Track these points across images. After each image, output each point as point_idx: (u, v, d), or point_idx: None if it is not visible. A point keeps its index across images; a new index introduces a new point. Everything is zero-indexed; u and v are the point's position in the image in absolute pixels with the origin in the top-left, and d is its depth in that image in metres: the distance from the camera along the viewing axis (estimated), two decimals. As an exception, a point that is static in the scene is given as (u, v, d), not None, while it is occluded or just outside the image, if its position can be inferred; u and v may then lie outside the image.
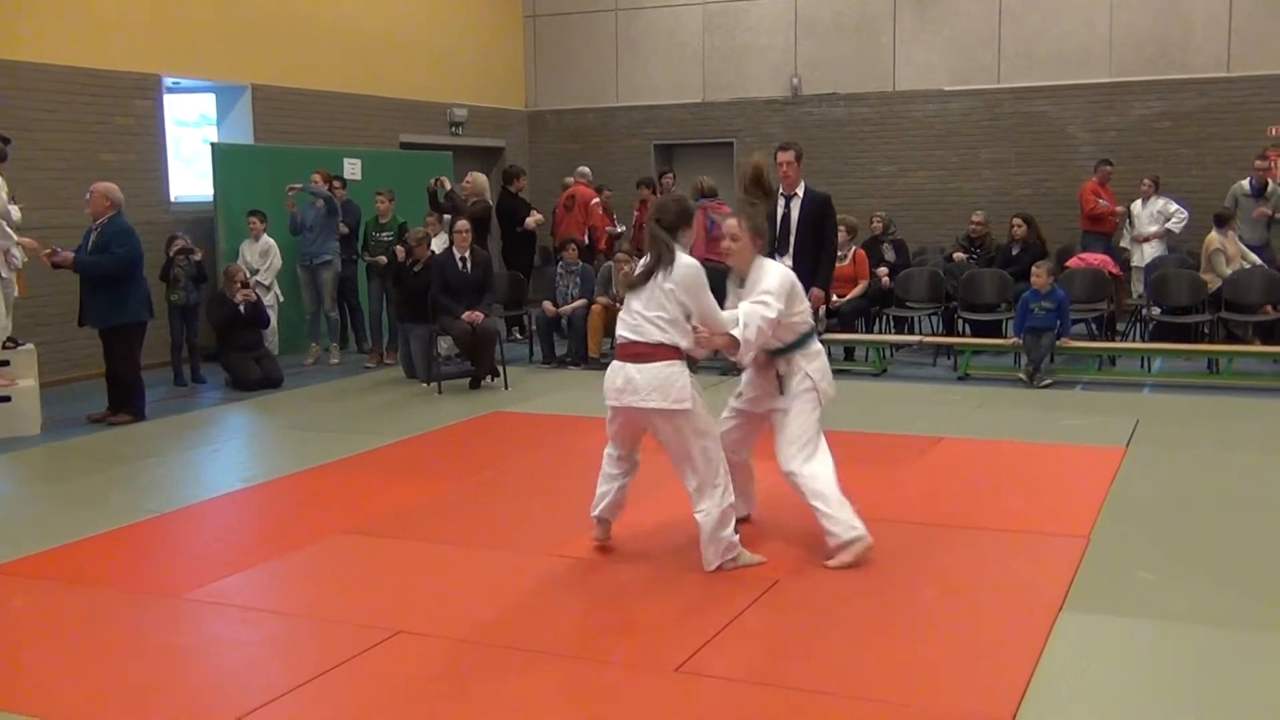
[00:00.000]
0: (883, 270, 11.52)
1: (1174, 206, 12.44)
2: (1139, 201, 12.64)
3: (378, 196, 11.60)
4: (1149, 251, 12.35)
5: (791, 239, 8.49)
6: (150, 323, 8.90)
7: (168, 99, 11.90)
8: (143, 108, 11.38)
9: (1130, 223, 12.70)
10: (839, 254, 10.93)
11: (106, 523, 5.99)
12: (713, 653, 4.17)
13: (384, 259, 11.24)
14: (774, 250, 8.40)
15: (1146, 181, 12.63)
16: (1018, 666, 3.97)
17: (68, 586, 5.06)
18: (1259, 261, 11.02)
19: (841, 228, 11.08)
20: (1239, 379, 9.66)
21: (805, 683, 3.93)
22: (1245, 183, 12.12)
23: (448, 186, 11.98)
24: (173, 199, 11.80)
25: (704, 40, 16.00)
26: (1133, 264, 12.45)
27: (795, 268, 8.32)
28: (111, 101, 11.05)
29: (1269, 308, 10.32)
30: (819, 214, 8.58)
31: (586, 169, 14.37)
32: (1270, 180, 12.08)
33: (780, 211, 8.50)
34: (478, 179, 12.38)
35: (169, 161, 11.82)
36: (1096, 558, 5.14)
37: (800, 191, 8.56)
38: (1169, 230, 12.42)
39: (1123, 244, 12.76)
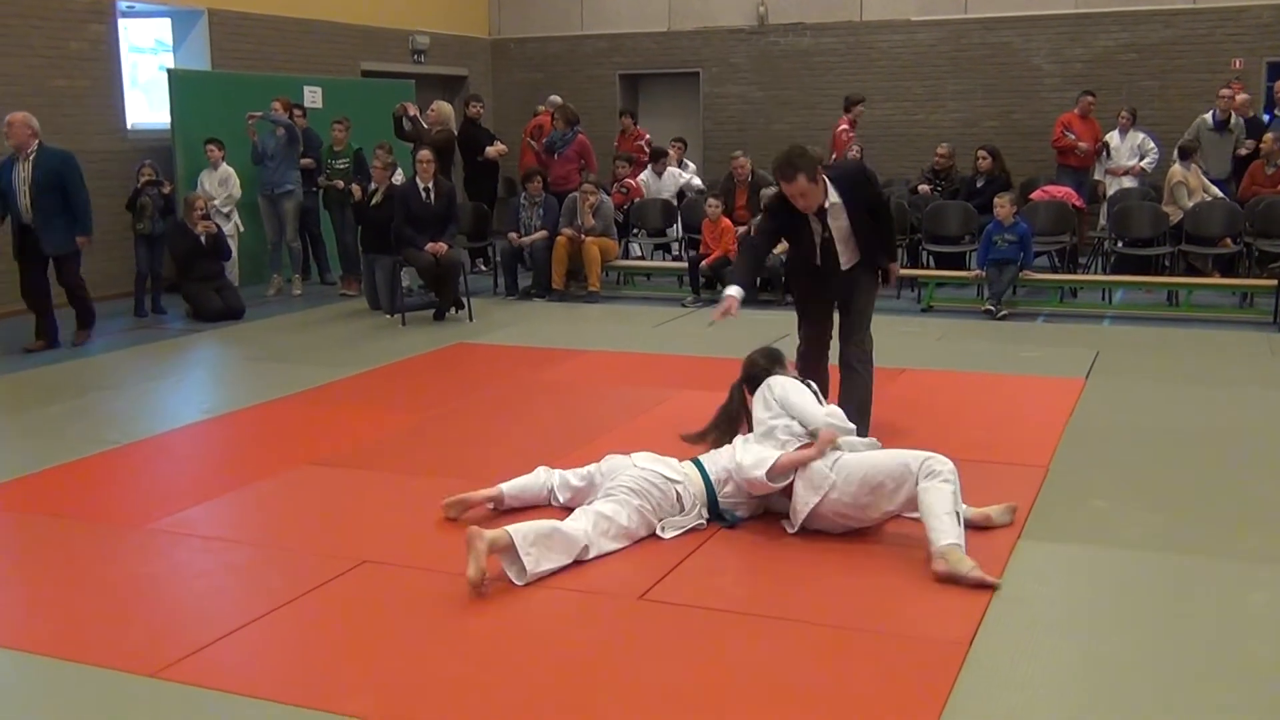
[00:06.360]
0: None
1: (1151, 144, 12.39)
2: (1116, 133, 12.59)
3: (334, 125, 11.47)
4: (1126, 184, 12.31)
5: (849, 243, 5.85)
6: (114, 253, 8.77)
7: (122, 23, 11.64)
8: (96, 32, 11.12)
9: (1108, 154, 12.64)
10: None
11: (66, 454, 5.95)
12: (676, 581, 4.22)
13: (340, 183, 11.16)
14: (825, 268, 5.89)
15: (1124, 113, 12.54)
16: (976, 593, 4.03)
17: (28, 517, 5.04)
18: (1220, 194, 11.07)
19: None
20: (1198, 311, 9.76)
21: (768, 609, 3.99)
22: (1208, 116, 12.12)
23: (411, 112, 11.82)
24: (129, 127, 11.59)
25: (670, -33, 15.80)
26: (1108, 196, 12.38)
27: (862, 260, 5.93)
28: (63, 26, 10.78)
29: (1228, 240, 10.40)
30: (860, 191, 5.86)
31: (558, 98, 13.62)
32: (1233, 113, 12.08)
33: (819, 234, 5.78)
34: (443, 107, 12.21)
35: (125, 88, 11.60)
36: (1055, 487, 5.22)
37: (830, 197, 5.69)
38: (1142, 169, 12.41)
39: (1097, 176, 12.72)
